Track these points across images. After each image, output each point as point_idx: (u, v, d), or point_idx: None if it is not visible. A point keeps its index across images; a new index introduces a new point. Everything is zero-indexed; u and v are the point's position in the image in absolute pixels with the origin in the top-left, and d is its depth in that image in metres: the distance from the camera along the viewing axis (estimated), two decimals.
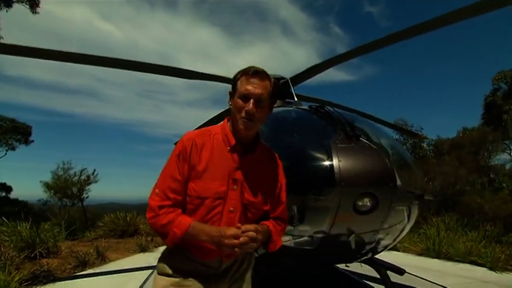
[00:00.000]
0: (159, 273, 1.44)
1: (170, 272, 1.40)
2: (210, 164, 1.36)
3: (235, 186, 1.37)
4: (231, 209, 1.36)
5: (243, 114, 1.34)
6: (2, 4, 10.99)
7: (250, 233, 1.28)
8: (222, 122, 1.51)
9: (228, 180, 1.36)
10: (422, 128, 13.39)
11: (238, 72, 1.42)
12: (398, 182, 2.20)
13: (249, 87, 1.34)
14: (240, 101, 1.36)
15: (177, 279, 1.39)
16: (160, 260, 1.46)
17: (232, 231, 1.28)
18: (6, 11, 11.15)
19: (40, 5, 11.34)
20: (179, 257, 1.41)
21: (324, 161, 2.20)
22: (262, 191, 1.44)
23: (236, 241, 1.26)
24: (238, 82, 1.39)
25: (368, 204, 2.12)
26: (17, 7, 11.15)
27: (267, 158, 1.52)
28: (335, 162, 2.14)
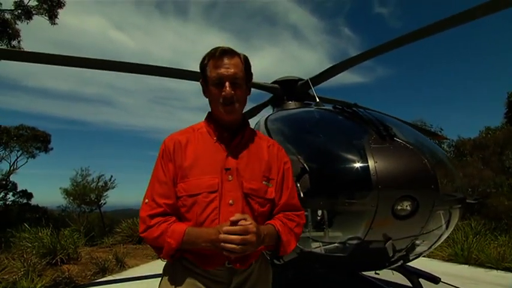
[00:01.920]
0: None
1: None
2: (198, 159, 1.23)
3: (230, 177, 1.21)
4: (230, 201, 1.19)
5: (221, 100, 1.22)
6: (22, 16, 11.36)
7: (243, 221, 1.09)
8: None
9: (221, 171, 1.21)
10: (442, 129, 13.02)
11: (204, 58, 1.28)
12: (440, 184, 2.04)
13: (220, 71, 1.22)
14: (214, 89, 1.24)
15: None
16: (161, 277, 1.29)
17: (225, 226, 1.10)
18: (27, 23, 11.53)
19: (58, 16, 11.67)
20: (180, 270, 1.23)
21: (359, 162, 2.07)
22: (262, 175, 1.27)
23: (231, 236, 1.07)
24: (207, 68, 1.25)
25: (408, 208, 1.97)
26: (35, 18, 11.51)
27: (259, 141, 1.36)
28: (371, 163, 2.00)
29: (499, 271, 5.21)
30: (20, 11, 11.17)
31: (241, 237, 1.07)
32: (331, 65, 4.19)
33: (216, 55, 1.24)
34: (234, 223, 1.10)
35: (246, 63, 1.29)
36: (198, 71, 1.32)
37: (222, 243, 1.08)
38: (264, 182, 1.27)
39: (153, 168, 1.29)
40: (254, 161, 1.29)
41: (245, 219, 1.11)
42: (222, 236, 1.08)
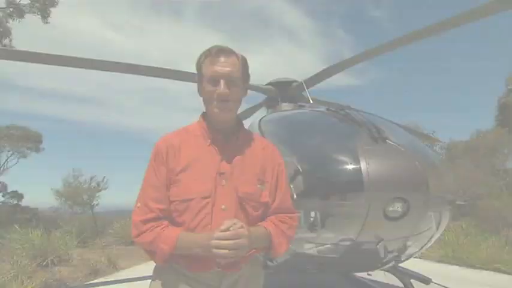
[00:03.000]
0: None
1: None
2: (191, 163, 1.21)
3: (223, 181, 1.19)
4: (223, 206, 1.17)
5: (215, 97, 1.20)
6: (14, 15, 11.22)
7: (237, 226, 1.07)
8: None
9: (215, 176, 1.19)
10: (434, 131, 13.20)
11: (201, 56, 1.26)
12: (431, 186, 2.08)
13: (216, 68, 1.19)
14: (209, 86, 1.21)
15: None
16: (151, 280, 1.28)
17: (216, 232, 1.07)
18: (19, 21, 11.38)
19: (51, 15, 11.55)
20: (169, 273, 1.22)
21: (351, 164, 2.09)
22: (256, 179, 1.25)
23: (222, 241, 1.05)
24: (203, 66, 1.24)
25: (399, 209, 2.00)
26: (28, 17, 11.37)
27: (254, 142, 1.33)
28: (363, 165, 2.02)
29: (489, 272, 5.30)
30: (11, 9, 11.03)
31: (233, 241, 1.06)
32: (325, 67, 4.24)
33: (213, 53, 1.22)
34: (225, 231, 1.08)
35: (243, 63, 1.27)
36: (192, 71, 1.30)
37: (214, 250, 1.07)
38: (258, 186, 1.25)
39: (146, 171, 1.27)
40: (249, 164, 1.26)
41: (235, 224, 1.09)
42: (214, 241, 1.06)
